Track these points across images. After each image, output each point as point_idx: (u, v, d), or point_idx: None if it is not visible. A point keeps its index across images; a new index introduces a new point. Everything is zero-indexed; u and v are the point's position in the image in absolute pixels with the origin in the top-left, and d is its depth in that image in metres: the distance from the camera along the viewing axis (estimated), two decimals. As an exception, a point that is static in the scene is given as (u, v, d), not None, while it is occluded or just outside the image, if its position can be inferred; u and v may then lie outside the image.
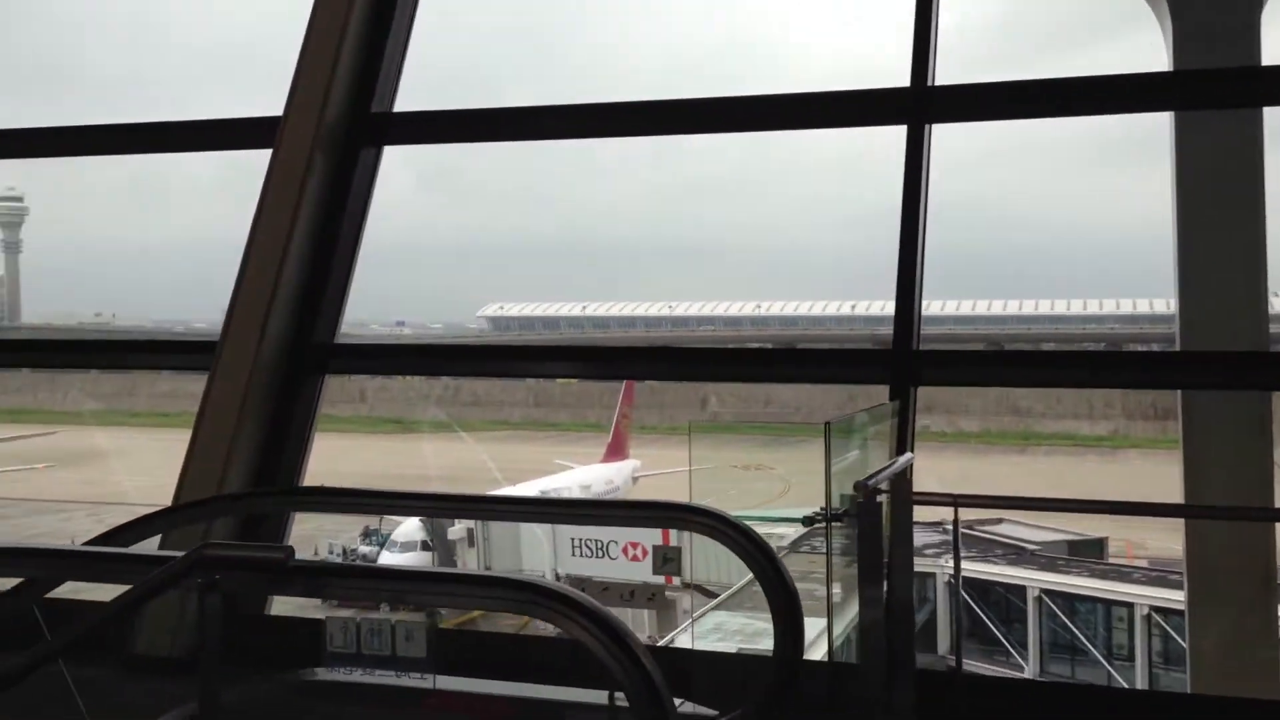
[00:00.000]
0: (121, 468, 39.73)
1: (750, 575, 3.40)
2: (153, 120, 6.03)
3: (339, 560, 29.55)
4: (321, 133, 5.12)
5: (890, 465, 3.64)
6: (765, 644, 3.42)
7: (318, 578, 2.64)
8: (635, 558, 21.92)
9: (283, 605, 4.86)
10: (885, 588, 3.63)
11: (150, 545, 4.24)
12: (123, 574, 3.11)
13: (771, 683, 3.30)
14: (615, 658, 2.37)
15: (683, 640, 16.50)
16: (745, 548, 3.27)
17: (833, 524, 3.24)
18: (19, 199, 66.90)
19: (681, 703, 3.28)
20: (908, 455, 3.92)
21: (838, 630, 3.50)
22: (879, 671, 3.65)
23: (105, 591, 3.47)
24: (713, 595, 17.74)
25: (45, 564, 3.41)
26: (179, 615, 4.19)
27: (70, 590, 3.99)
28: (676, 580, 18.52)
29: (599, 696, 3.29)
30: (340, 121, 5.20)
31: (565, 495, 29.86)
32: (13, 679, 2.98)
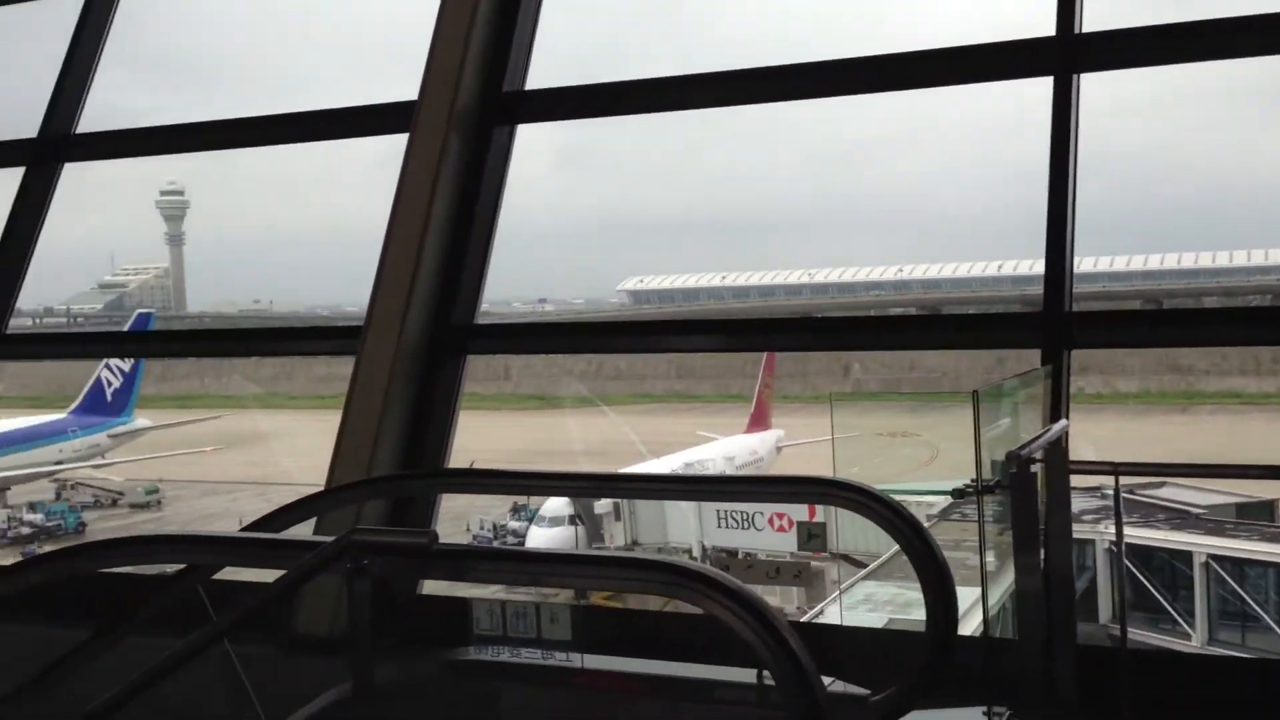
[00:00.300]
0: (282, 449, 41.32)
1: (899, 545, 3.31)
2: (298, 110, 6.19)
3: (489, 535, 30.28)
4: (455, 114, 5.15)
5: (1044, 433, 3.49)
6: (917, 614, 3.32)
7: (461, 561, 2.66)
8: (781, 529, 21.83)
9: (435, 584, 4.95)
10: (1042, 559, 3.49)
11: (306, 528, 4.37)
12: (277, 559, 3.19)
13: (925, 662, 3.21)
14: (761, 638, 2.33)
15: (831, 612, 16.38)
16: (893, 523, 3.17)
17: (984, 496, 3.12)
18: (180, 192, 69.82)
19: (831, 681, 3.21)
20: (1062, 422, 3.75)
21: (992, 601, 3.38)
22: (1037, 644, 3.51)
23: (262, 572, 3.59)
24: (860, 565, 17.55)
25: (206, 550, 3.53)
26: (335, 596, 4.30)
27: (230, 571, 4.14)
28: (824, 550, 18.38)
29: (747, 675, 3.25)
30: (473, 102, 5.23)
31: (709, 467, 29.90)
32: (185, 656, 3.09)
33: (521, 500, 29.47)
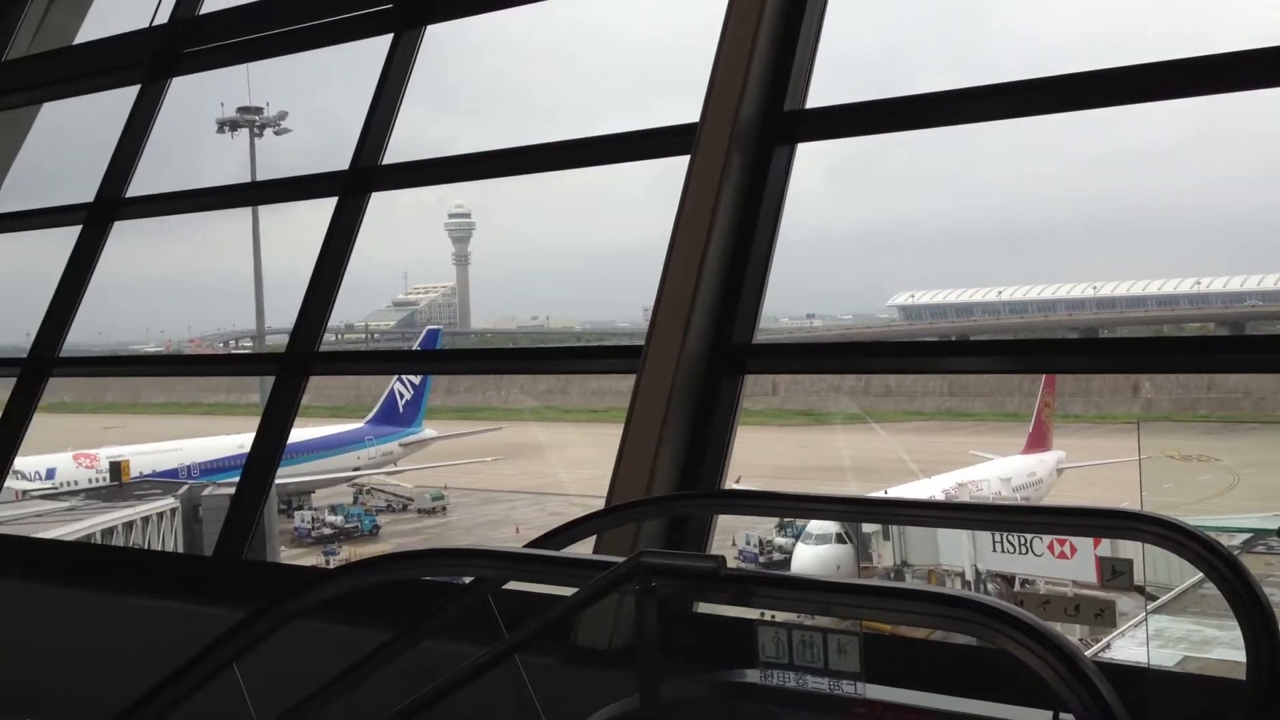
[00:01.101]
0: (558, 460, 42.84)
1: (1198, 576, 3.06)
2: (581, 136, 6.39)
3: (755, 550, 30.28)
4: (737, 135, 5.18)
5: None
6: (1214, 653, 3.07)
7: (748, 587, 2.65)
8: (1063, 555, 20.72)
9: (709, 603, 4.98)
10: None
11: (587, 545, 4.48)
12: (564, 576, 3.29)
13: (1246, 713, 2.95)
14: (1068, 684, 2.21)
15: (1118, 646, 15.44)
16: (1210, 562, 2.94)
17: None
18: (467, 215, 73.75)
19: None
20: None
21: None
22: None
23: (548, 585, 3.69)
24: (1150, 597, 16.45)
25: (504, 566, 3.67)
26: (616, 612, 4.39)
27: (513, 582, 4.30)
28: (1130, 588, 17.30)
29: (1039, 716, 3.08)
30: (754, 122, 5.24)
31: (983, 488, 28.84)
32: (486, 666, 3.23)
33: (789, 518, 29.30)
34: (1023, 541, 21.86)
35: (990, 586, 21.32)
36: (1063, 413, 39.90)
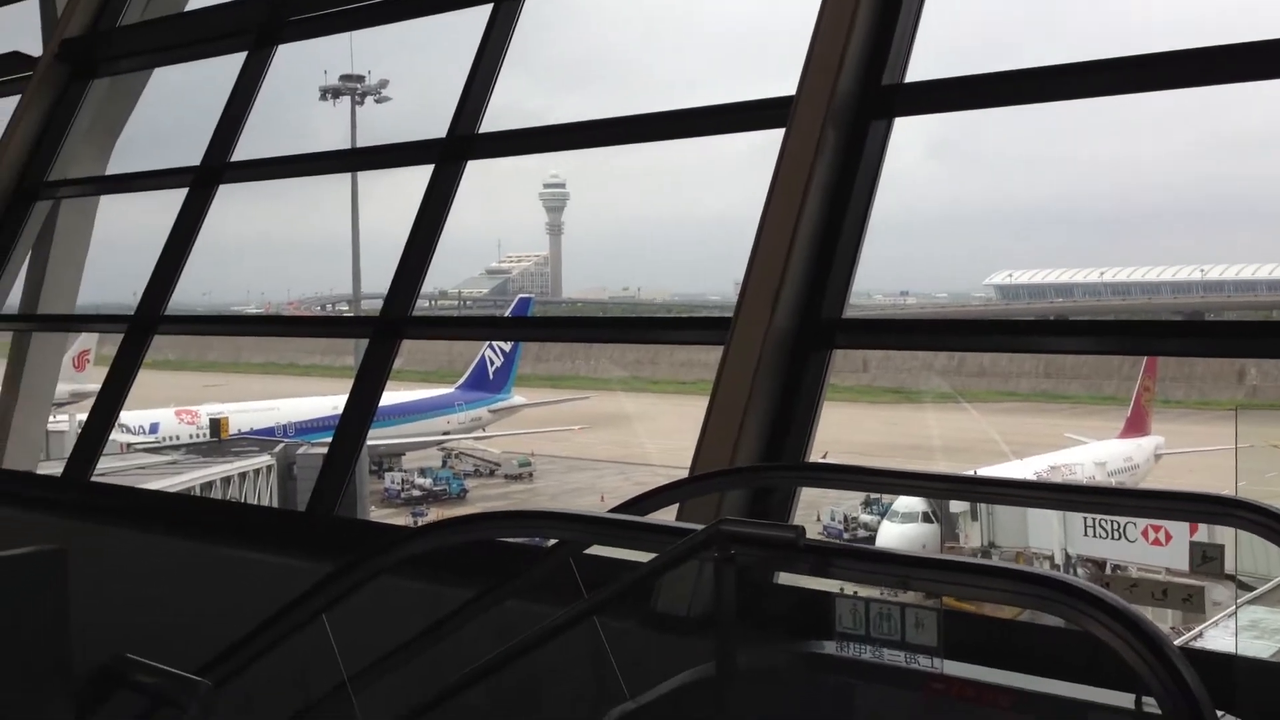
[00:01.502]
0: (644, 430, 43.03)
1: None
2: (677, 108, 6.37)
3: (840, 526, 30.13)
4: (833, 109, 5.13)
5: None
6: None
7: (827, 558, 2.66)
8: (1157, 541, 20.31)
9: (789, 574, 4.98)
10: None
11: (669, 512, 4.52)
12: (646, 542, 3.33)
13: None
14: (1150, 667, 2.18)
15: (1210, 635, 15.08)
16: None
17: None
18: (561, 185, 74.21)
19: (1223, 715, 2.96)
20: None
21: None
22: None
23: (628, 550, 3.75)
24: (1248, 587, 16.02)
25: (587, 529, 3.73)
26: (695, 579, 4.42)
27: (595, 546, 4.35)
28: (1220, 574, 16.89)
29: (1121, 699, 3.05)
30: (851, 96, 5.19)
31: (1077, 472, 28.29)
32: (565, 626, 3.30)
33: (875, 494, 29.10)
34: (1115, 527, 21.44)
35: (1080, 571, 20.94)
36: (1163, 398, 38.95)
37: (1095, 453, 30.99)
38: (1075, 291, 54.09)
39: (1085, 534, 22.08)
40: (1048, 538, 22.60)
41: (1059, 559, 22.13)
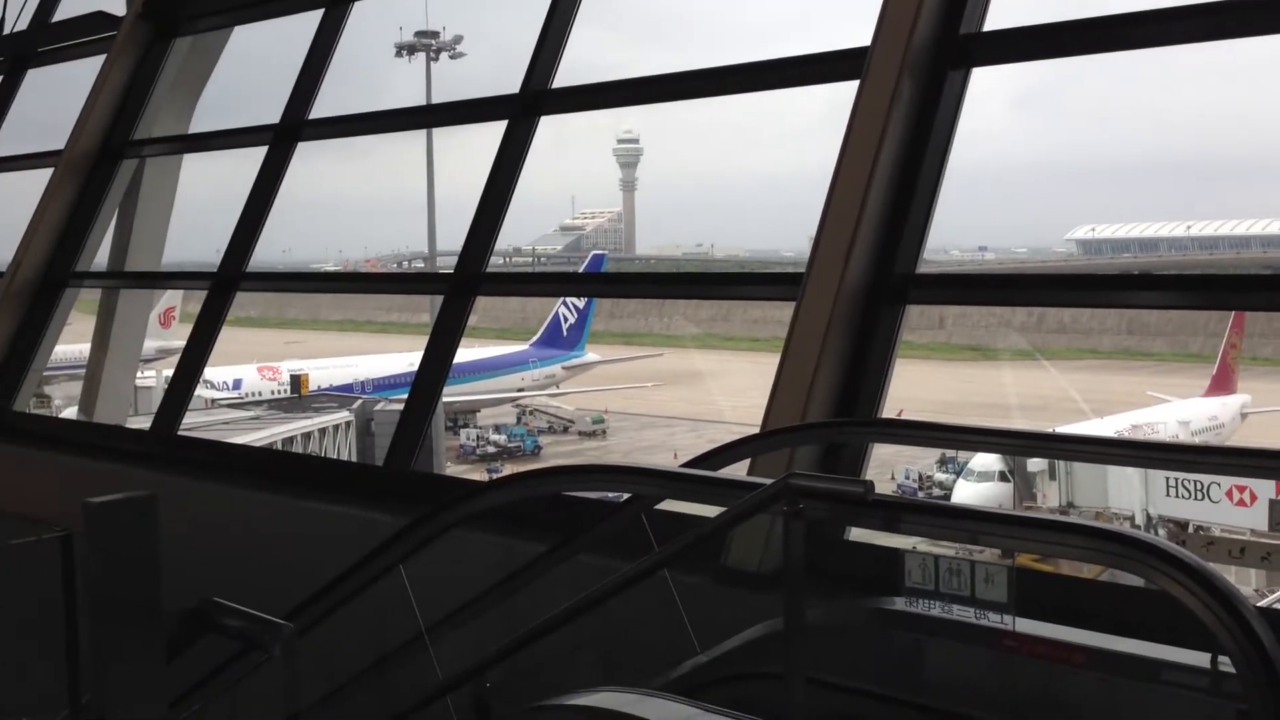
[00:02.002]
0: (717, 388, 43.03)
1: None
2: (750, 60, 6.31)
3: (914, 485, 29.92)
4: (908, 59, 5.04)
5: None
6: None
7: (896, 513, 2.65)
8: (1241, 502, 19.88)
9: (861, 530, 4.97)
10: None
11: (740, 468, 4.53)
12: (717, 496, 3.35)
13: None
14: (1223, 623, 2.15)
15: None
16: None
17: None
18: (635, 140, 73.93)
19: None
20: None
21: None
22: None
23: (698, 506, 3.77)
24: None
25: (657, 483, 3.76)
26: (766, 534, 4.43)
27: (668, 502, 4.38)
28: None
29: (1197, 658, 3.01)
30: (927, 46, 5.09)
31: (1159, 431, 27.75)
32: (626, 585, 3.33)
33: (950, 452, 28.82)
34: (1199, 487, 21.01)
35: (1161, 532, 20.59)
36: (1250, 355, 37.96)
37: (1179, 411, 30.34)
38: (1160, 246, 52.75)
39: (1167, 494, 21.69)
40: (1129, 498, 22.21)
41: (1140, 519, 21.76)
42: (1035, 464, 23.70)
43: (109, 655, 1.75)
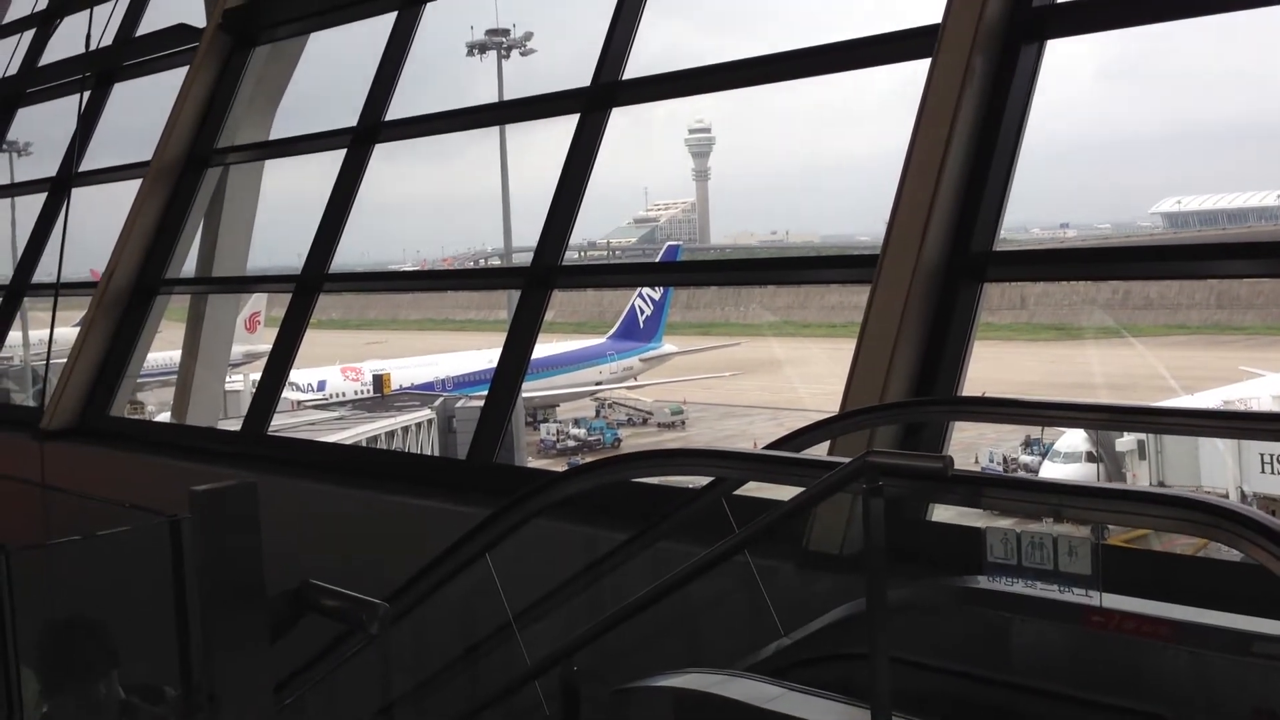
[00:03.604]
0: (796, 375, 42.77)
1: None
2: (819, 44, 6.29)
3: (998, 469, 29.50)
4: (980, 34, 4.99)
5: None
6: None
7: (976, 487, 2.65)
8: (1341, 479, 19.32)
9: (943, 512, 4.95)
10: None
11: (820, 450, 4.54)
12: (795, 476, 3.37)
13: None
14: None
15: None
16: None
17: None
18: (707, 130, 73.65)
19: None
20: None
21: None
22: None
23: (780, 491, 3.80)
24: None
25: (733, 465, 3.79)
26: (847, 516, 4.44)
27: (752, 488, 4.41)
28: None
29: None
30: (999, 20, 5.04)
31: (1253, 407, 27.03)
32: (708, 566, 3.37)
33: (1035, 434, 28.36)
34: (1295, 463, 20.45)
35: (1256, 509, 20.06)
36: (1350, 326, 36.77)
37: (1273, 386, 29.48)
38: (1249, 216, 51.27)
39: (1262, 471, 21.16)
40: (1222, 475, 21.70)
41: (1234, 497, 21.24)
42: (1124, 443, 23.22)
43: (218, 636, 1.84)
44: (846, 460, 2.91)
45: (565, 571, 4.67)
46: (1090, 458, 23.82)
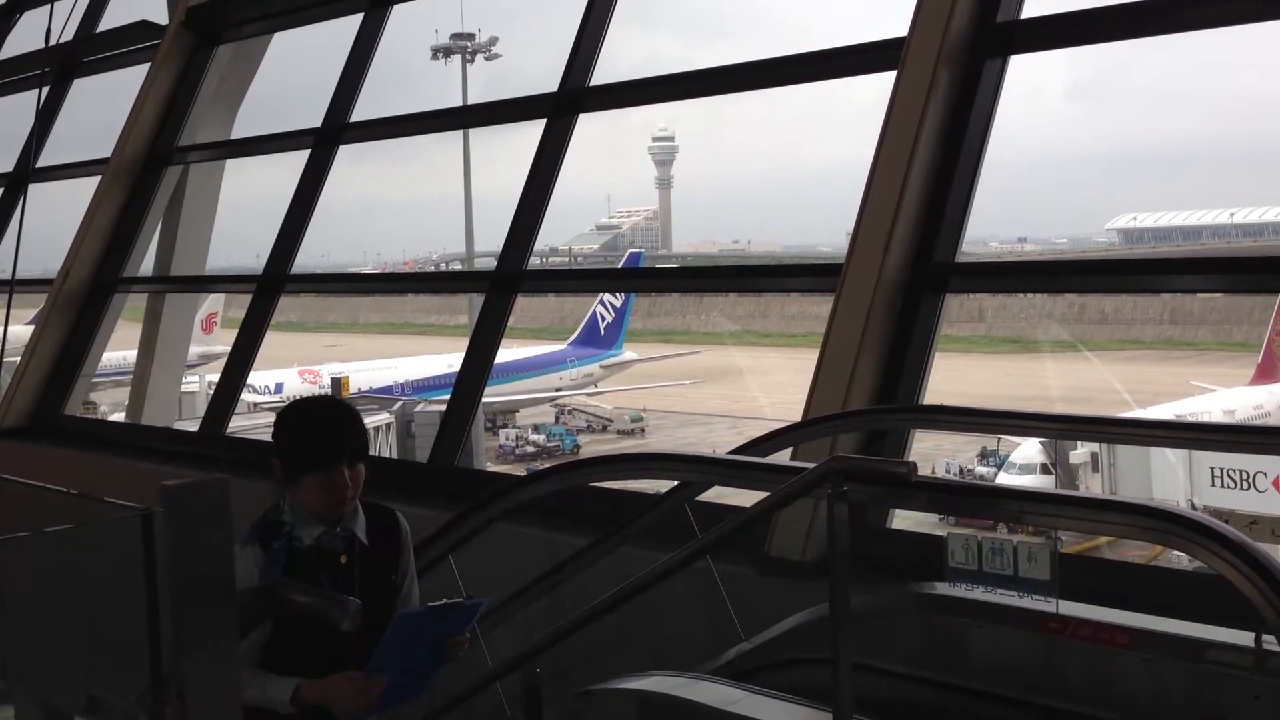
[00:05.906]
0: (756, 385, 42.93)
1: None
2: (784, 54, 6.31)
3: (957, 479, 29.76)
4: (945, 49, 5.05)
5: None
6: None
7: (939, 494, 2.69)
8: (1288, 490, 19.66)
9: (903, 520, 4.99)
10: None
11: (783, 457, 4.56)
12: (761, 481, 3.39)
13: None
14: (1264, 596, 2.17)
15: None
16: None
17: None
18: (670, 138, 73.88)
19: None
20: None
21: None
22: None
23: (742, 498, 3.82)
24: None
25: (702, 470, 3.80)
26: (809, 523, 4.46)
27: (713, 493, 4.43)
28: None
29: (1240, 637, 3.02)
30: (965, 34, 5.09)
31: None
32: (671, 570, 3.39)
33: (991, 445, 28.66)
34: (1244, 477, 20.76)
35: (1208, 522, 20.35)
36: (1296, 343, 37.37)
37: (1224, 401, 29.95)
38: (1203, 234, 52.05)
39: (1212, 484, 21.48)
40: (1173, 488, 22.01)
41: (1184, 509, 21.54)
42: (1078, 455, 23.53)
43: (188, 632, 1.84)
44: (813, 465, 2.93)
45: (528, 575, 4.67)
46: (1045, 469, 24.11)
